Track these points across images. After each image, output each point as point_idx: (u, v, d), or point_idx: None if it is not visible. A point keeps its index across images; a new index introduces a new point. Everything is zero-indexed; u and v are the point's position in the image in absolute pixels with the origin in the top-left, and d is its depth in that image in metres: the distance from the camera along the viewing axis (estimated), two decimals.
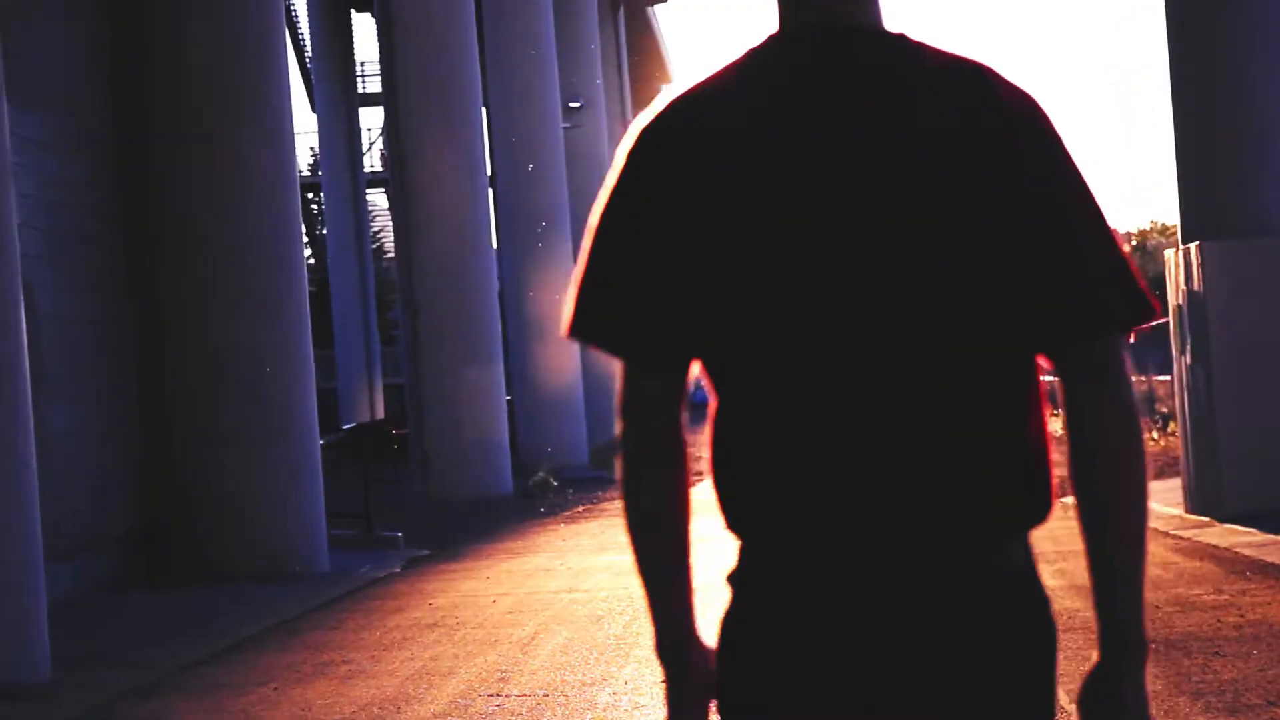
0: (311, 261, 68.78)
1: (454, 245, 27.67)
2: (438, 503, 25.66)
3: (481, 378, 27.25)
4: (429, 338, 27.42)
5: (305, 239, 67.90)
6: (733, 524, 2.38)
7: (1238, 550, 13.71)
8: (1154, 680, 9.12)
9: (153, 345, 16.11)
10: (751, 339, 2.32)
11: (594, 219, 2.43)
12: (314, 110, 58.62)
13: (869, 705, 2.28)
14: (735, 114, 2.33)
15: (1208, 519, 16.11)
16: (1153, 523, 14.39)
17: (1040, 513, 2.34)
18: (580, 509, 24.16)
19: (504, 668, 10.10)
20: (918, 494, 2.26)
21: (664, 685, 2.48)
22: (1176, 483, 17.99)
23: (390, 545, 18.80)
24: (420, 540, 19.40)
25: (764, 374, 2.33)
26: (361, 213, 57.35)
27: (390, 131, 28.63)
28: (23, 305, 10.85)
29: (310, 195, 66.03)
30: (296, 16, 61.88)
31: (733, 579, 2.41)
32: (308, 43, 60.06)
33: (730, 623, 2.39)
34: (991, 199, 2.28)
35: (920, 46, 2.36)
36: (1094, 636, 2.39)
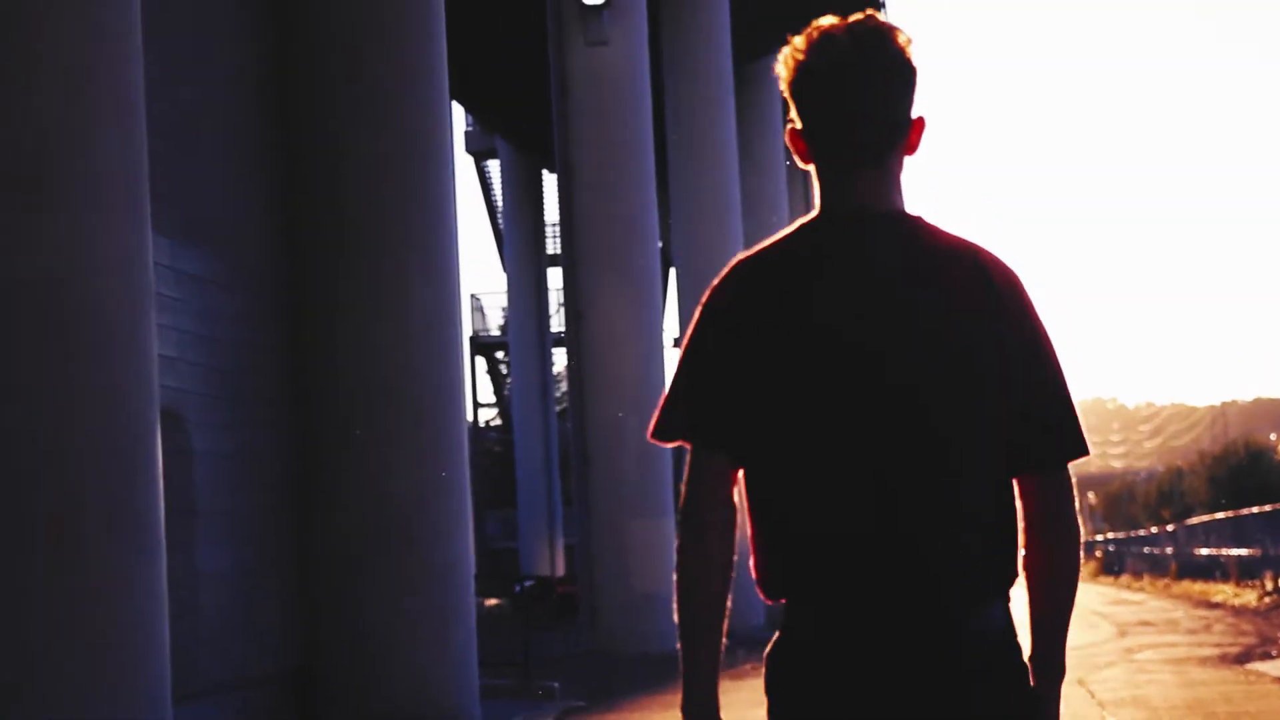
0: (498, 422, 69.27)
1: (628, 398, 27.47)
2: (604, 656, 25.21)
3: (652, 530, 26.86)
4: (600, 488, 27.17)
5: (493, 398, 68.52)
6: (776, 594, 3.28)
7: None
8: None
9: (309, 484, 15.95)
10: (793, 443, 3.09)
11: (686, 344, 3.19)
12: (504, 270, 59.32)
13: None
14: (785, 277, 3.09)
15: None
16: None
17: (1009, 581, 3.13)
18: (748, 666, 23.51)
19: None
20: (929, 573, 3.05)
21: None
22: None
23: (547, 696, 18.40)
24: (579, 692, 18.96)
25: (801, 472, 3.11)
26: (547, 372, 57.65)
27: (568, 285, 28.64)
28: (159, 444, 10.63)
29: (500, 355, 66.61)
30: (490, 177, 62.93)
31: (780, 643, 3.25)
32: (499, 202, 60.95)
33: (778, 678, 3.25)
34: (980, 361, 3.03)
35: (931, 230, 3.11)
36: None
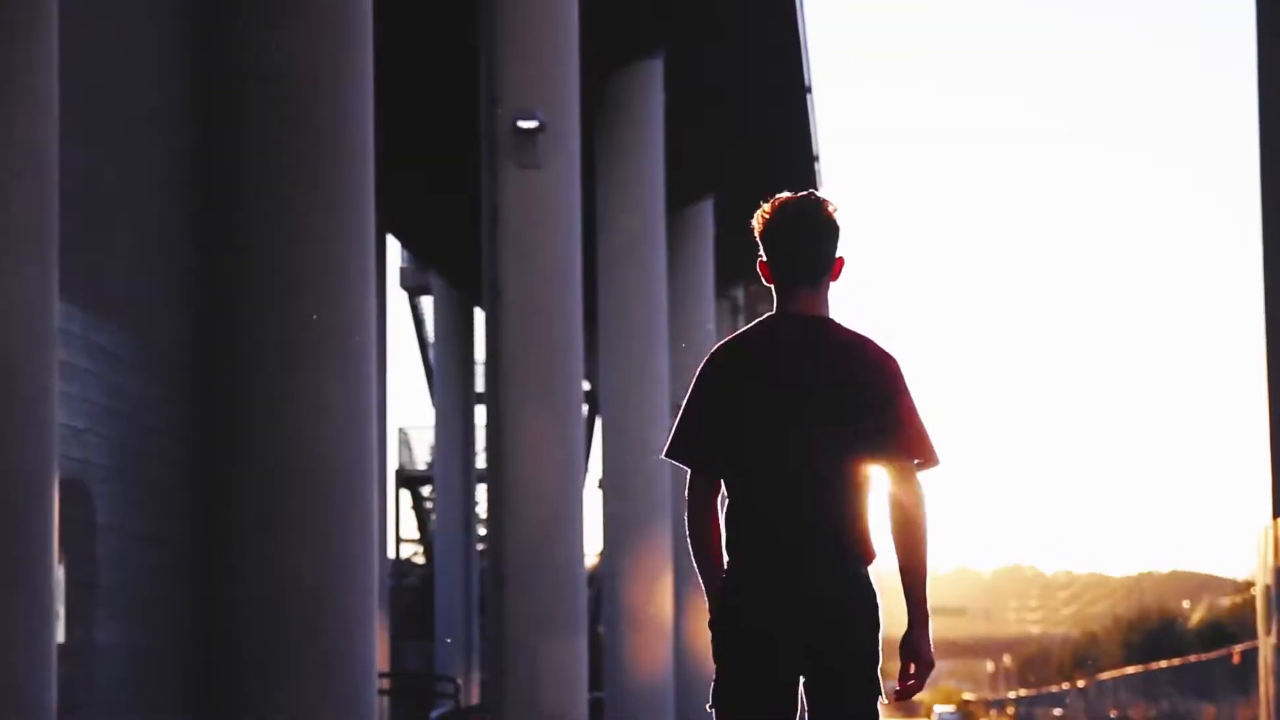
0: (421, 561, 68.95)
1: (546, 521, 27.56)
2: None
3: (564, 650, 26.85)
4: (513, 609, 27.14)
5: (417, 534, 68.27)
6: (727, 550, 4.96)
7: None
8: None
9: (213, 571, 15.98)
10: (745, 461, 4.88)
11: (687, 397, 4.99)
12: (433, 405, 59.42)
13: (790, 646, 4.84)
14: (751, 352, 4.91)
15: None
16: None
17: (870, 556, 4.93)
18: None
19: None
20: (817, 543, 4.86)
21: (710, 610, 5.03)
22: None
23: None
24: None
25: (749, 480, 4.89)
26: (470, 508, 57.59)
27: (490, 406, 28.79)
28: (55, 493, 10.74)
29: (425, 490, 66.49)
30: (423, 313, 63.23)
31: (726, 578, 4.95)
32: (431, 339, 61.17)
33: (722, 599, 4.96)
34: (864, 403, 4.84)
35: (840, 328, 4.90)
36: None
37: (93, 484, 14.21)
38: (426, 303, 62.70)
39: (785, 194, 4.96)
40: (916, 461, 4.90)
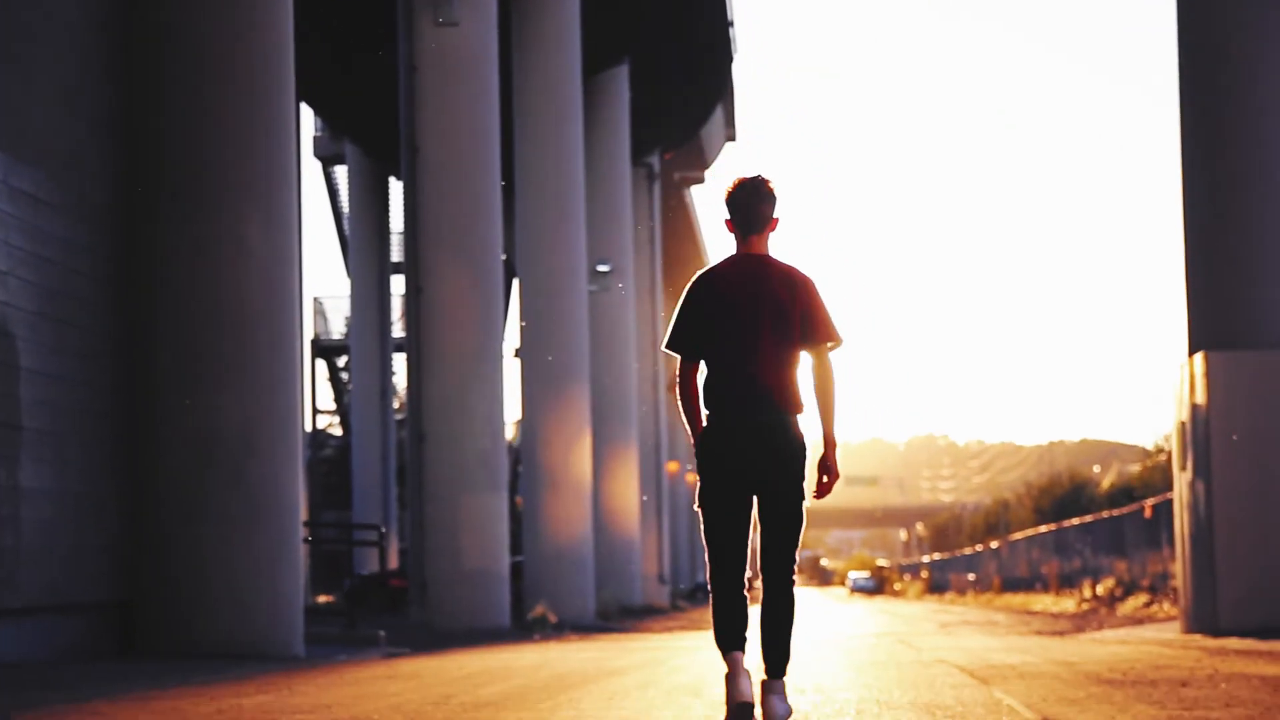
0: (339, 432, 68.84)
1: (464, 376, 27.62)
2: (432, 629, 25.26)
3: (485, 506, 27.01)
4: (435, 465, 27.24)
5: (333, 405, 68.05)
6: (705, 405, 7.14)
7: (1225, 646, 13.32)
8: (1119, 695, 8.82)
9: (138, 414, 15.93)
10: (716, 349, 7.11)
11: (677, 310, 7.23)
12: (348, 275, 59.11)
13: (749, 462, 7.05)
14: (721, 277, 7.20)
15: (1201, 635, 15.69)
16: (1144, 648, 14.05)
17: (799, 408, 7.13)
18: (575, 636, 23.75)
19: (451, 693, 9.80)
20: (763, 400, 7.06)
21: (690, 443, 7.28)
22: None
23: (371, 643, 18.44)
24: (403, 644, 19.03)
25: (718, 361, 7.10)
26: (386, 378, 57.47)
27: (409, 260, 28.68)
28: None
29: (341, 361, 66.22)
30: (337, 183, 62.69)
31: (706, 422, 7.15)
32: (346, 208, 60.72)
33: (702, 438, 7.15)
34: (791, 311, 7.12)
35: (777, 261, 7.24)
36: None
37: (15, 326, 14.08)
38: (340, 173, 62.18)
39: (742, 175, 7.32)
40: (829, 345, 7.19)
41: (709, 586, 7.18)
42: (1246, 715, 7.27)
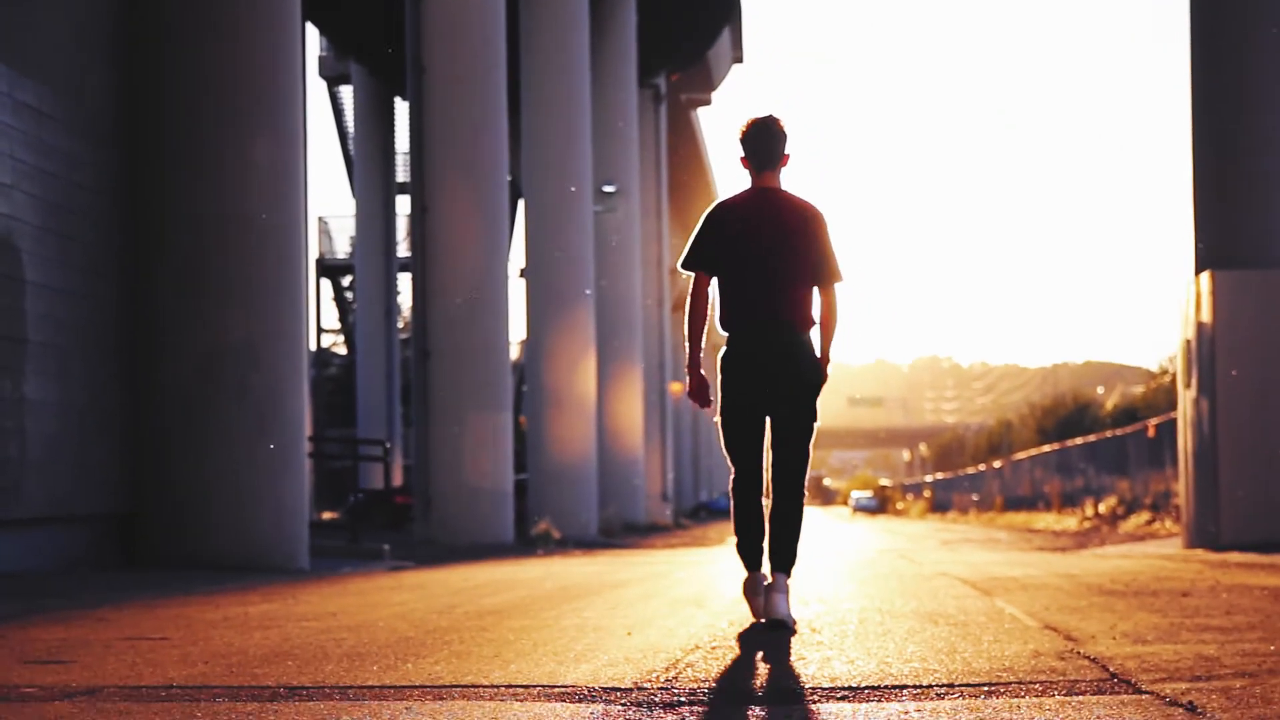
0: (343, 351, 68.88)
1: (470, 293, 27.59)
2: (436, 544, 25.36)
3: (489, 423, 27.05)
4: (439, 382, 27.26)
5: (338, 324, 68.04)
6: (725, 328, 7.61)
7: (1227, 560, 13.36)
8: (1121, 604, 8.86)
9: (143, 330, 15.93)
10: (731, 275, 7.60)
11: (691, 236, 7.73)
12: (353, 195, 59.01)
13: (766, 380, 7.52)
14: (737, 207, 7.66)
15: (1203, 550, 15.74)
16: (1146, 561, 14.10)
17: (809, 326, 7.60)
18: (578, 552, 23.85)
19: (456, 603, 9.85)
20: (777, 323, 7.55)
21: (687, 374, 7.69)
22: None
23: (375, 556, 18.51)
24: (407, 558, 19.11)
25: (734, 286, 7.59)
26: (391, 297, 57.53)
27: (414, 179, 28.60)
28: None
29: (345, 281, 66.16)
30: (342, 103, 62.44)
31: (726, 345, 7.60)
32: (352, 130, 60.53)
33: (723, 359, 7.58)
34: (803, 243, 7.58)
35: (789, 194, 7.72)
36: None
37: (19, 240, 14.06)
38: (346, 93, 61.97)
39: (754, 115, 7.80)
40: (833, 281, 7.69)
41: (730, 499, 7.76)
42: (1248, 623, 7.31)
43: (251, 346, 15.97)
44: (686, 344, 7.69)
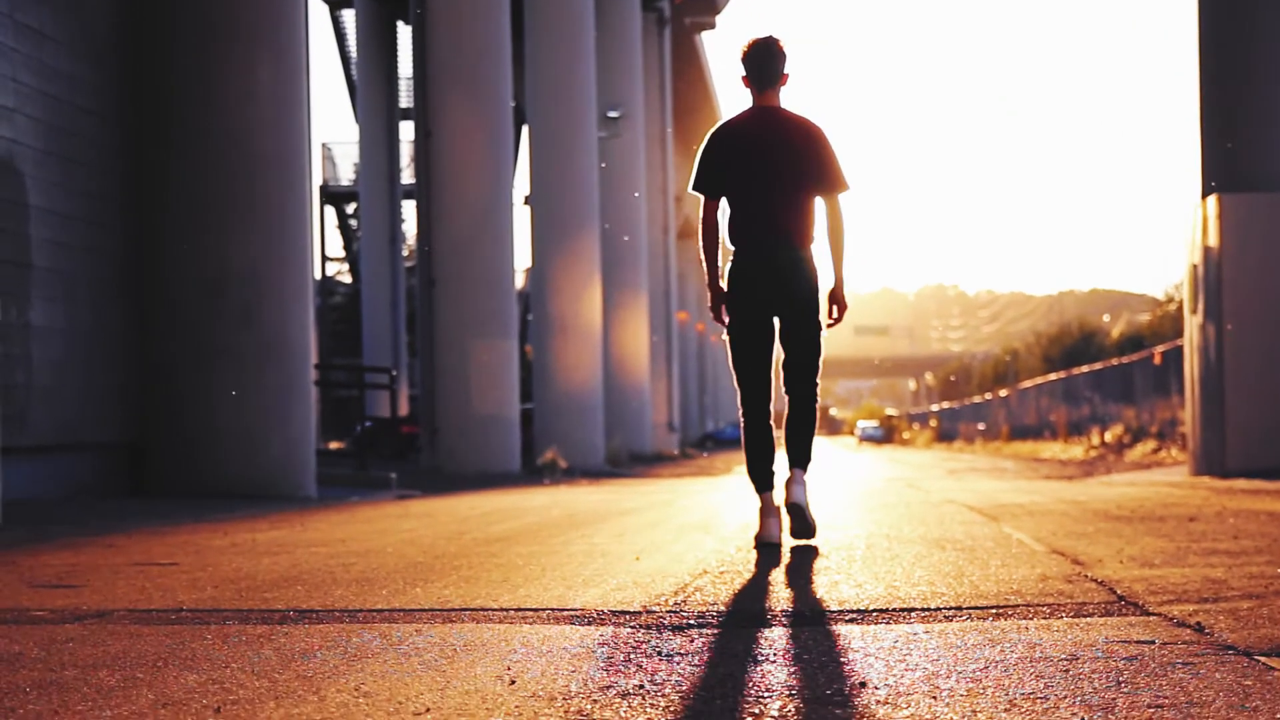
0: (348, 279, 68.82)
1: (474, 221, 27.53)
2: (442, 474, 25.41)
3: (494, 351, 27.03)
4: (445, 310, 27.24)
5: (342, 252, 67.94)
6: (731, 243, 7.82)
7: (1233, 486, 13.37)
8: (1128, 529, 8.86)
9: (148, 256, 15.91)
10: (737, 193, 7.79)
11: (696, 158, 7.89)
12: (356, 121, 58.78)
13: (770, 292, 7.77)
14: (740, 125, 7.86)
15: (1209, 477, 15.74)
16: (1152, 489, 14.12)
17: (811, 242, 7.81)
18: (585, 481, 23.90)
19: (464, 529, 9.86)
20: (781, 237, 7.76)
21: (709, 294, 7.94)
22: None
23: (382, 485, 18.54)
24: (414, 487, 19.14)
25: (740, 204, 7.79)
26: (396, 225, 57.36)
27: (418, 103, 28.48)
28: None
29: (350, 208, 66.00)
30: (344, 30, 62.10)
31: (731, 260, 7.83)
32: (354, 55, 60.20)
33: (730, 273, 7.81)
34: (804, 159, 7.78)
35: (790, 112, 7.88)
36: None
37: (22, 164, 14.03)
38: (348, 17, 61.65)
39: (755, 36, 7.96)
40: (838, 190, 7.85)
41: (740, 418, 8.10)
42: (1255, 547, 7.31)
43: (256, 273, 15.95)
44: (703, 264, 7.93)
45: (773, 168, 7.76)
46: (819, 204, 7.82)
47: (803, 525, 7.82)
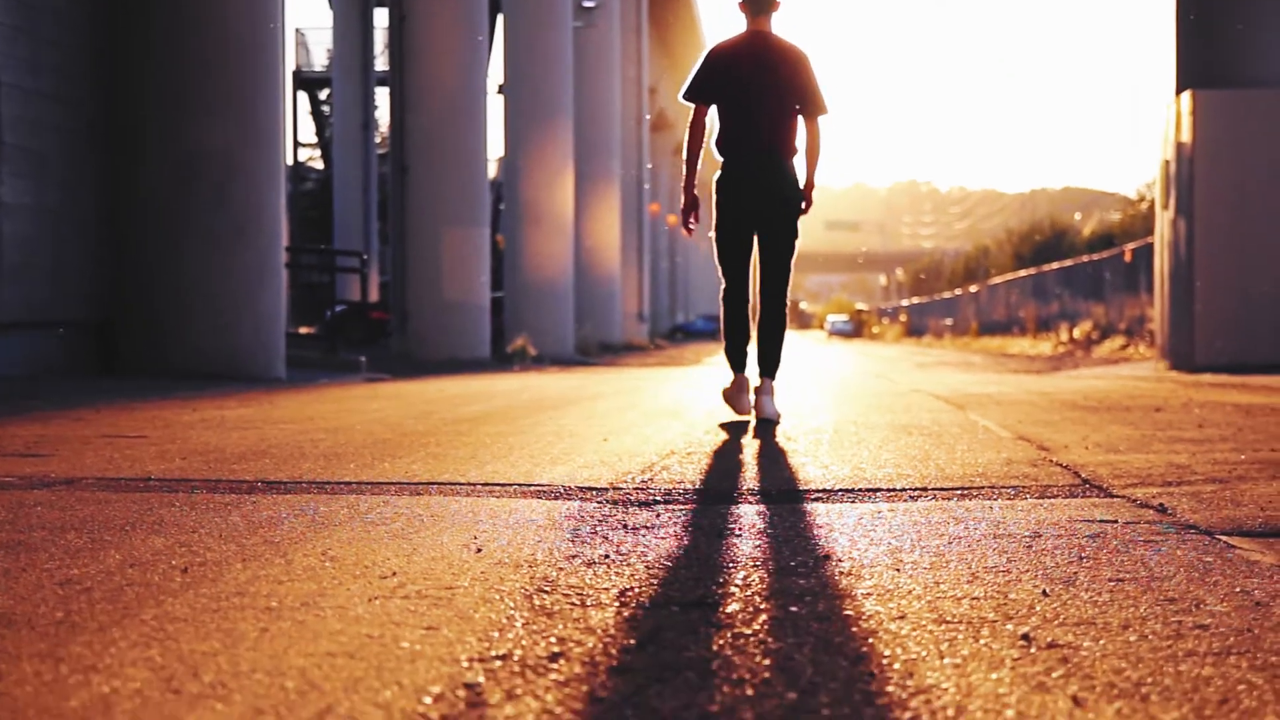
0: (320, 166, 68.45)
1: (448, 107, 27.34)
2: (412, 359, 25.41)
3: (465, 239, 26.96)
4: (416, 197, 27.12)
5: (315, 138, 67.52)
6: (720, 154, 8.72)
7: (1200, 380, 13.44)
8: (1094, 418, 8.91)
9: (119, 135, 15.79)
10: (728, 109, 8.67)
11: (691, 72, 8.79)
12: (330, 7, 58.27)
13: (755, 201, 8.64)
14: (733, 47, 8.72)
15: (1177, 372, 15.82)
16: (1119, 382, 14.17)
17: (794, 154, 8.69)
18: (555, 368, 23.92)
19: (433, 410, 9.88)
20: (766, 150, 8.63)
21: (683, 194, 8.90)
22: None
23: (352, 368, 18.54)
24: (384, 372, 19.13)
25: (730, 118, 8.67)
26: (369, 111, 56.98)
27: None
28: None
29: (323, 94, 65.53)
30: None
31: (720, 169, 8.74)
32: None
33: (718, 181, 8.72)
34: (790, 81, 8.62)
35: (779, 37, 8.73)
36: None
37: None
38: None
39: None
40: (818, 113, 8.65)
41: (721, 308, 8.90)
42: (1219, 435, 7.37)
43: (229, 153, 15.85)
44: (684, 165, 8.73)
45: (762, 88, 8.59)
46: (801, 123, 8.66)
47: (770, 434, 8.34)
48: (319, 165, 68.91)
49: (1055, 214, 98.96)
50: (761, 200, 8.62)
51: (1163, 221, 16.89)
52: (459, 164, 27.24)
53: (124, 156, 15.80)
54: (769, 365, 8.79)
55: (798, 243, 8.81)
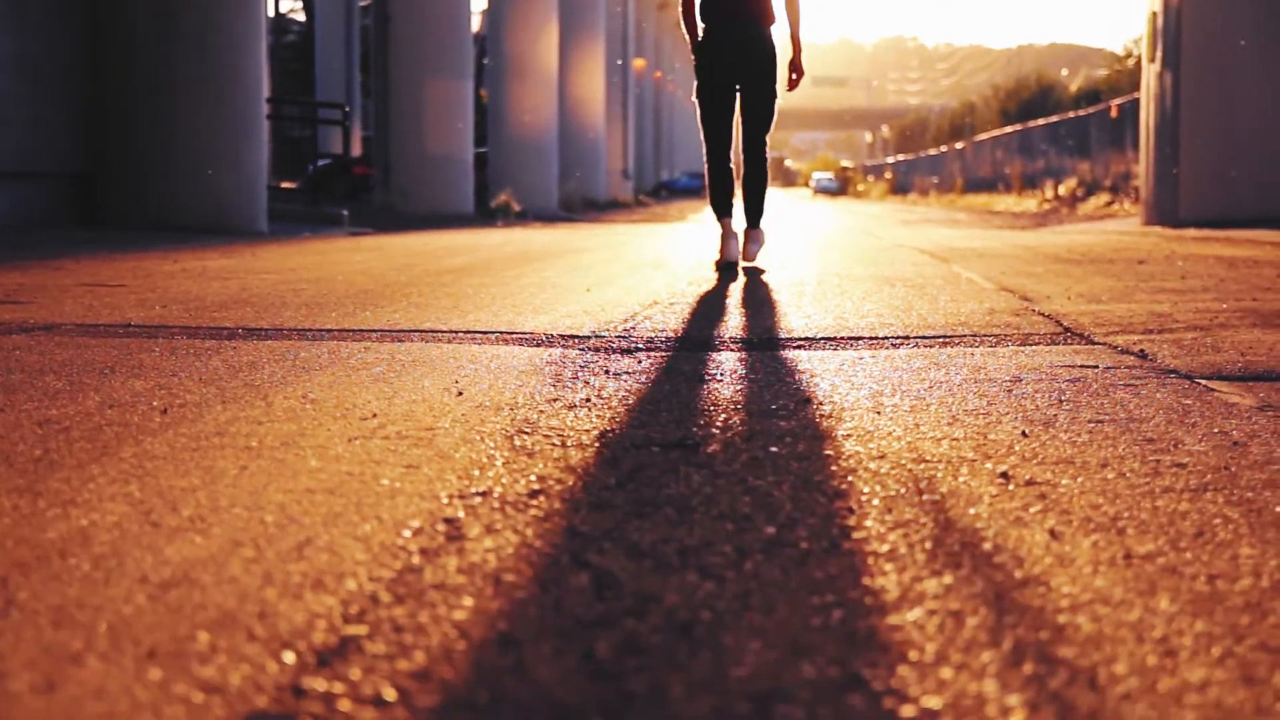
0: (302, 18, 67.72)
1: None
2: (395, 213, 25.33)
3: (449, 91, 26.76)
4: (400, 48, 26.87)
5: None
6: (702, 20, 9.29)
7: (1184, 234, 13.45)
8: (1077, 270, 8.93)
9: None
10: None
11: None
12: None
13: (730, 63, 9.21)
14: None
15: (1161, 227, 15.82)
16: (1104, 236, 14.17)
17: (771, 21, 9.20)
18: (538, 223, 23.86)
19: (415, 262, 9.85)
20: (743, 15, 9.13)
21: (692, 52, 9.44)
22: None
23: (334, 221, 18.47)
24: (366, 225, 19.07)
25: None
26: None
27: None
28: None
29: None
30: None
31: (701, 34, 9.30)
32: None
33: (699, 45, 9.30)
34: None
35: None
36: None
37: None
38: None
39: None
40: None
41: (705, 167, 9.31)
42: (1202, 286, 7.38)
43: (209, 5, 15.65)
44: (685, 36, 9.33)
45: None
46: None
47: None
48: (301, 18, 68.18)
49: (1042, 70, 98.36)
50: (739, 61, 9.08)
51: (1149, 75, 16.79)
52: (442, 15, 26.97)
53: (104, 6, 15.60)
54: (754, 215, 9.30)
55: (777, 103, 9.26)
